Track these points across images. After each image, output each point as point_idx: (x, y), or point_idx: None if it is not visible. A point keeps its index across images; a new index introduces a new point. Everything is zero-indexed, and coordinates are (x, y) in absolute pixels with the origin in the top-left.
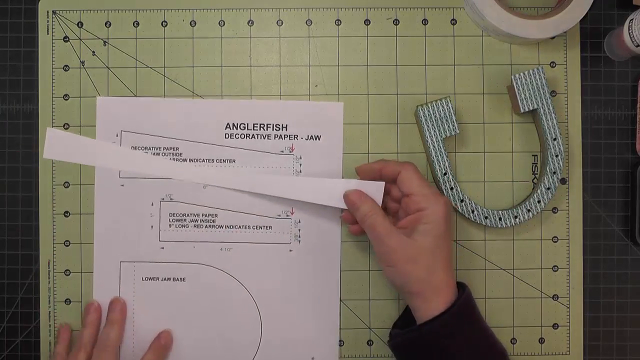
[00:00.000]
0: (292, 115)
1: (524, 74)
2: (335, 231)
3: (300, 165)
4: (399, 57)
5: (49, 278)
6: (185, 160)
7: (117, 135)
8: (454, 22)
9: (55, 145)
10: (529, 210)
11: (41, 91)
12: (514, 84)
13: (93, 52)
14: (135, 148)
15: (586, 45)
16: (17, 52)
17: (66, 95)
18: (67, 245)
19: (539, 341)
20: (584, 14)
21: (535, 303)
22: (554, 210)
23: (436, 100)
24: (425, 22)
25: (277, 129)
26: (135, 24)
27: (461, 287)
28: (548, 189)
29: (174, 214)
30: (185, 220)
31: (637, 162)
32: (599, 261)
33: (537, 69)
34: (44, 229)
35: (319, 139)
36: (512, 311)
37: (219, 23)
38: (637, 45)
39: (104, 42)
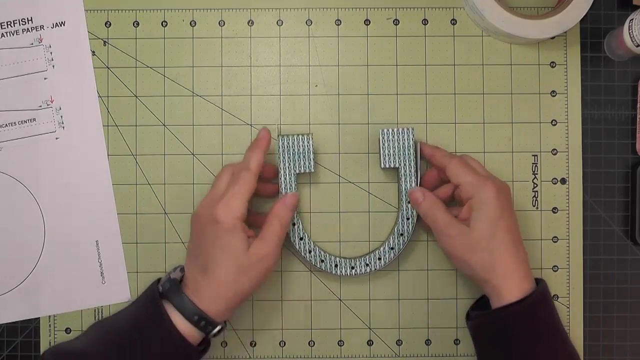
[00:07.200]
0: (35, 7)
1: (393, 130)
2: (96, 114)
3: (52, 54)
4: (399, 57)
5: None
6: None
7: None
8: (454, 22)
9: None
10: (367, 265)
11: None
12: (380, 137)
13: (93, 52)
14: None
15: (586, 45)
16: None
17: None
18: None
19: None
20: (584, 14)
21: None
22: (554, 210)
23: (297, 134)
24: (425, 22)
25: (24, 23)
26: (135, 24)
27: (539, 282)
28: (392, 248)
29: None
30: None
31: (637, 162)
32: (599, 261)
33: (409, 129)
34: None
35: (63, 25)
36: None
37: (219, 23)
38: (637, 45)
39: (104, 42)
